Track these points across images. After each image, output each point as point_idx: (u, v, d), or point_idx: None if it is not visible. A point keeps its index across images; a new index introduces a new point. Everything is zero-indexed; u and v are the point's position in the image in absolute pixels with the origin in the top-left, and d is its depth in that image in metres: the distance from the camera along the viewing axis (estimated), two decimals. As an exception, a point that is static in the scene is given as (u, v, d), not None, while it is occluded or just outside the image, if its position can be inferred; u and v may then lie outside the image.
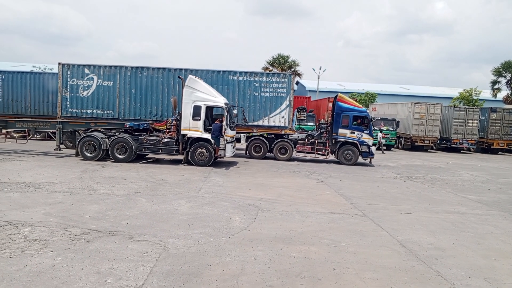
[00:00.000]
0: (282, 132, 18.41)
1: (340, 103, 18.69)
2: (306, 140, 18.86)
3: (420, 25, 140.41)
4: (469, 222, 8.64)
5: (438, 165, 20.26)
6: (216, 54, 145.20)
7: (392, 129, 28.61)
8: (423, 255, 6.27)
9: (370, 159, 18.66)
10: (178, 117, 15.62)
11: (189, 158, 15.44)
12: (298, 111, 19.46)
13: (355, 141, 18.29)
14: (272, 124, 18.10)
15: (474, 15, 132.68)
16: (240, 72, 18.39)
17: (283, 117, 18.26)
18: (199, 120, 15.13)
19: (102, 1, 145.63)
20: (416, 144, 28.60)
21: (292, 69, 40.98)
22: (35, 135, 21.16)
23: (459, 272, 5.66)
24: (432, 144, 29.33)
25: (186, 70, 18.35)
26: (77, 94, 18.42)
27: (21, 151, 17.77)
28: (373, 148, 18.53)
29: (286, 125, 18.34)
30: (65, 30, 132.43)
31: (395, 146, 29.96)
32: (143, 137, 15.59)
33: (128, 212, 7.98)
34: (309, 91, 49.41)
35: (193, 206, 8.79)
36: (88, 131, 16.66)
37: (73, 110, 18.48)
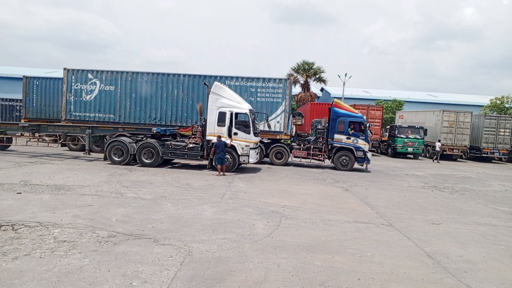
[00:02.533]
0: (278, 137, 18.43)
1: (336, 109, 18.65)
2: (302, 145, 18.85)
3: (448, 31, 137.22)
4: (501, 235, 8.32)
5: (468, 175, 19.65)
6: (240, 61, 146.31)
7: (419, 138, 28.02)
8: (452, 268, 6.07)
9: (366, 165, 18.49)
10: (204, 123, 15.79)
11: (213, 164, 15.55)
12: (293, 116, 19.36)
13: (351, 147, 18.18)
14: (267, 129, 18.11)
15: (505, 19, 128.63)
16: (237, 77, 18.58)
17: (278, 122, 18.31)
18: (224, 126, 15.25)
19: (131, 9, 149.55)
20: (444, 153, 27.87)
21: (317, 76, 40.75)
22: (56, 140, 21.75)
23: (490, 287, 5.45)
24: (462, 153, 28.53)
25: (184, 75, 18.80)
26: (81, 98, 19.07)
27: (52, 154, 18.38)
28: (369, 154, 18.37)
29: (282, 130, 18.32)
30: (95, 37, 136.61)
31: (422, 154, 29.29)
32: (169, 142, 15.85)
33: (154, 216, 8.10)
34: (334, 97, 48.99)
35: (217, 211, 8.84)
36: (115, 136, 17.03)
37: (77, 114, 19.13)
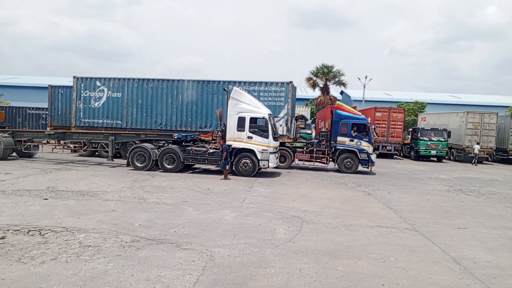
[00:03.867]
0: (280, 140, 18.36)
1: (339, 111, 18.49)
2: (305, 148, 18.69)
3: (470, 31, 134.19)
4: (531, 240, 8.03)
5: (495, 178, 19.08)
6: (260, 66, 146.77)
7: (443, 140, 27.43)
8: (480, 274, 5.89)
9: (371, 167, 18.21)
10: (223, 128, 15.89)
11: (233, 169, 15.62)
12: (296, 120, 19.25)
13: (354, 149, 17.97)
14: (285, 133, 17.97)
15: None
16: (240, 82, 18.62)
17: (281, 125, 18.17)
18: (244, 131, 15.31)
19: (152, 19, 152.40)
20: (469, 155, 27.18)
21: (337, 79, 40.45)
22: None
23: (521, 294, 5.27)
24: (487, 156, 27.73)
25: (189, 81, 19.07)
26: (89, 105, 19.50)
27: (77, 161, 18.82)
28: (373, 156, 18.08)
29: (285, 133, 18.21)
30: (118, 46, 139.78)
31: (446, 157, 28.64)
32: (190, 148, 16.01)
33: (176, 220, 8.18)
34: (354, 100, 48.60)
35: (238, 216, 8.85)
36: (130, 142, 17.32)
37: (86, 120, 19.58)
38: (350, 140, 17.95)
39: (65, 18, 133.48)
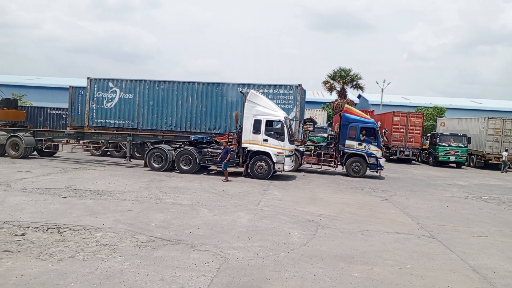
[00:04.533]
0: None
1: (347, 114, 18.35)
2: (313, 151, 18.54)
3: (492, 35, 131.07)
4: (555, 250, 7.79)
5: (516, 186, 18.60)
6: (276, 69, 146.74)
7: (462, 146, 26.90)
8: (500, 284, 5.74)
9: (379, 171, 17.97)
10: (239, 130, 15.93)
11: (248, 171, 15.63)
12: (305, 123, 19.12)
13: (362, 153, 17.77)
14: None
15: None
16: (249, 85, 18.65)
17: None
18: (259, 133, 15.33)
19: (171, 22, 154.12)
20: (490, 162, 26.56)
21: (354, 83, 40.11)
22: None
23: (543, 305, 5.11)
24: (509, 162, 27.03)
25: (198, 83, 19.28)
26: (102, 106, 19.80)
27: (95, 160, 19.14)
28: (382, 161, 17.85)
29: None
30: (137, 48, 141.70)
31: (466, 163, 28.06)
32: (206, 149, 16.11)
33: (191, 221, 8.23)
34: (372, 104, 48.12)
35: (253, 218, 8.85)
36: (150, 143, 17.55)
37: (98, 120, 19.91)
38: (359, 144, 17.82)
39: (86, 21, 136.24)
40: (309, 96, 55.24)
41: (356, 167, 17.90)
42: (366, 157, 17.75)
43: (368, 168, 17.84)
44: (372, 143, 17.75)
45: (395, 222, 9.35)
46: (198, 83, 19.28)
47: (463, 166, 27.72)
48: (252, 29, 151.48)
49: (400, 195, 13.65)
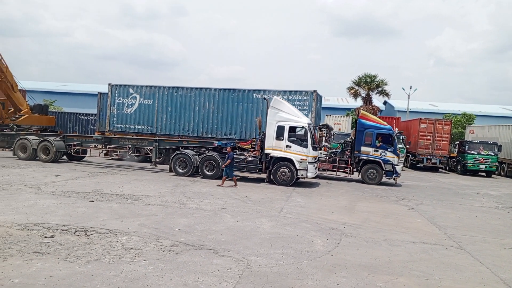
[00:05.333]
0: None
1: (363, 121, 18.07)
2: (327, 157, 18.32)
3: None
4: None
5: (551, 196, 17.82)
6: (300, 76, 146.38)
7: (493, 154, 26.01)
8: (533, 299, 5.51)
9: (396, 178, 17.59)
10: (262, 136, 15.95)
11: (271, 177, 15.61)
12: (320, 129, 18.81)
13: (378, 160, 17.46)
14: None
15: None
16: (264, 91, 18.68)
17: None
18: (283, 139, 15.30)
19: (197, 30, 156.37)
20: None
21: (380, 89, 39.52)
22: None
23: None
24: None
25: (215, 89, 19.44)
26: (122, 111, 20.20)
27: (122, 165, 19.55)
28: (399, 168, 17.48)
29: None
30: (164, 56, 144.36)
31: (496, 172, 27.13)
32: (229, 155, 16.17)
33: (214, 227, 8.27)
34: (398, 111, 47.26)
35: (275, 225, 8.82)
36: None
37: (118, 126, 20.33)
38: (375, 151, 17.57)
39: (115, 28, 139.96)
40: (333, 102, 54.96)
41: (372, 174, 17.67)
42: (382, 164, 17.50)
43: (384, 175, 17.59)
44: (389, 149, 17.47)
45: (421, 232, 9.12)
46: (215, 89, 19.55)
47: (493, 175, 26.81)
48: (277, 36, 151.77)
49: (426, 204, 13.31)
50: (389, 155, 17.43)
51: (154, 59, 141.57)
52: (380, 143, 17.54)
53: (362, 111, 19.09)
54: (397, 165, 17.51)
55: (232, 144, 17.62)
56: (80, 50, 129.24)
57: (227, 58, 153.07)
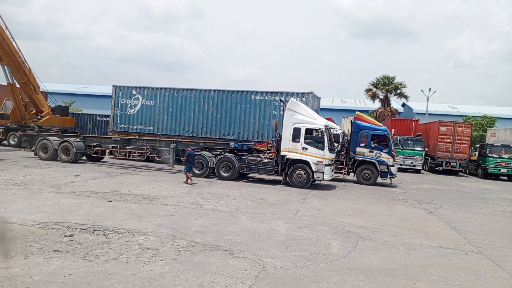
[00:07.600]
0: None
1: (358, 121, 18.06)
2: None
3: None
4: None
5: None
6: (316, 78, 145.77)
7: (515, 157, 25.34)
8: (558, 307, 5.34)
9: (391, 179, 17.52)
10: (278, 138, 15.93)
11: (287, 179, 15.57)
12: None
13: (373, 160, 17.46)
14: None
15: None
16: (262, 92, 18.89)
17: None
18: (299, 142, 15.25)
19: (213, 32, 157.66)
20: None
21: (398, 91, 39.05)
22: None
23: None
24: None
25: (214, 90, 19.70)
26: (125, 112, 20.52)
27: (140, 166, 19.79)
28: (394, 168, 17.40)
29: None
30: (181, 58, 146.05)
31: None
32: (245, 157, 16.24)
33: (230, 228, 8.30)
34: (417, 113, 46.58)
35: (291, 227, 8.79)
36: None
37: (121, 126, 20.70)
38: (370, 151, 17.62)
39: (133, 32, 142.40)
40: (350, 104, 54.57)
41: (366, 175, 17.71)
42: (377, 165, 17.50)
43: (379, 175, 17.58)
44: (383, 150, 17.50)
45: (440, 236, 8.95)
46: (214, 90, 19.81)
47: (515, 179, 26.13)
48: (293, 38, 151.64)
49: (446, 208, 13.07)
50: (384, 156, 17.46)
51: (172, 61, 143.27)
52: (375, 144, 17.61)
53: (357, 113, 19.01)
54: (392, 166, 17.53)
55: (248, 145, 17.69)
56: (99, 53, 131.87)
57: (243, 60, 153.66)
